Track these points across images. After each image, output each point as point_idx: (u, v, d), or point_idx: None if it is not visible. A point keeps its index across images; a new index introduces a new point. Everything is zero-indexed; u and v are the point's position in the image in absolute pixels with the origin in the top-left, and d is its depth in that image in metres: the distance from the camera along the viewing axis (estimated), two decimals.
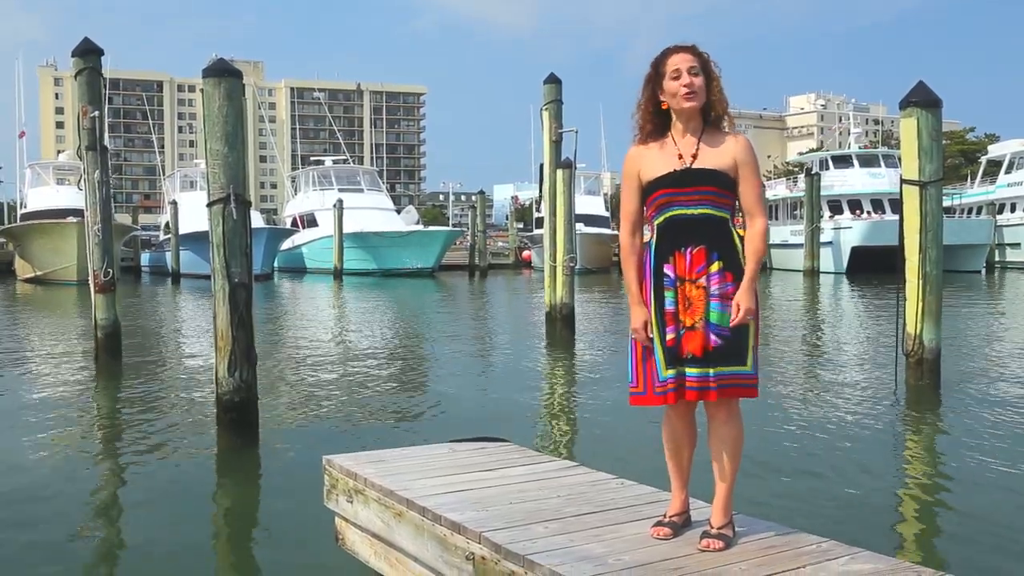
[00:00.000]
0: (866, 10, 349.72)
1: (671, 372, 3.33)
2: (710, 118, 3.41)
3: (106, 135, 12.23)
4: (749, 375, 3.32)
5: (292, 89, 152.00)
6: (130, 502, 5.96)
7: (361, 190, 47.67)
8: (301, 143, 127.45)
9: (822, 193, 41.77)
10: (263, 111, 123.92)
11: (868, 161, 44.95)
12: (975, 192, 51.85)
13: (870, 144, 74.99)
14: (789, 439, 7.28)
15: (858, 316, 20.57)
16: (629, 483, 4.11)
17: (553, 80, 15.33)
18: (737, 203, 3.43)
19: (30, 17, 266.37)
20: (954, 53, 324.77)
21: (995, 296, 27.51)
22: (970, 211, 50.19)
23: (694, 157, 3.37)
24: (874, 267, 33.42)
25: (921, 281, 8.86)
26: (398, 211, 51.10)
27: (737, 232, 3.38)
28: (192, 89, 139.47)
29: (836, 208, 43.46)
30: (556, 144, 15.25)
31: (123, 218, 55.20)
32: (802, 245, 40.18)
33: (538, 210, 52.88)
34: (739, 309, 3.26)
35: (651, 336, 3.37)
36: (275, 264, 43.09)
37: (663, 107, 3.42)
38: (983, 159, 55.92)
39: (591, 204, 51.52)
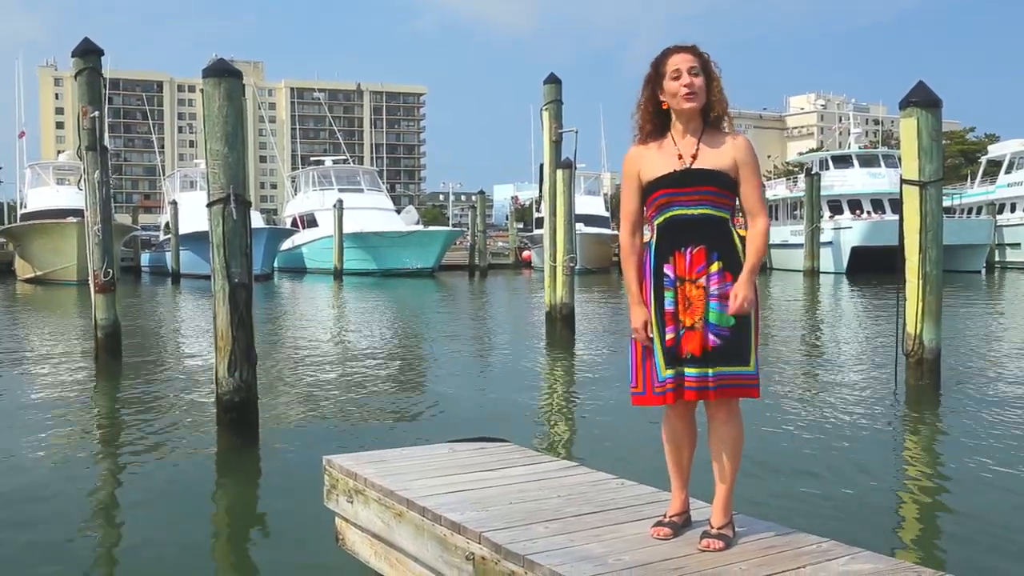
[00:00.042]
0: (866, 10, 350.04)
1: (670, 372, 3.33)
2: (710, 118, 3.41)
3: (106, 135, 12.23)
4: (750, 375, 3.32)
5: (292, 89, 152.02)
6: (130, 502, 5.96)
7: (361, 190, 47.67)
8: (301, 143, 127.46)
9: (822, 193, 41.78)
10: (263, 111, 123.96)
11: (868, 161, 44.95)
12: (975, 192, 51.85)
13: (870, 144, 75.00)
14: (789, 439, 7.28)
15: (858, 316, 20.57)
16: (629, 483, 4.11)
17: (553, 80, 15.34)
18: (737, 203, 3.44)
19: (30, 17, 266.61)
20: (954, 53, 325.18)
21: (995, 296, 27.52)
22: (970, 211, 50.19)
23: (694, 157, 3.37)
24: (874, 267, 33.43)
25: (921, 281, 8.86)
26: (398, 211, 51.10)
27: (737, 232, 3.38)
28: (192, 89, 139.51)
29: (836, 208, 43.46)
30: (556, 144, 15.25)
31: (123, 218, 55.20)
32: (802, 245, 40.19)
33: (538, 210, 52.88)
34: (737, 298, 3.26)
35: (651, 336, 3.38)
36: (275, 264, 43.10)
37: (663, 107, 3.42)
38: (983, 159, 55.93)
39: (591, 204, 51.53)
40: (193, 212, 36.76)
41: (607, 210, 55.48)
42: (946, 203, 37.10)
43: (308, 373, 11.43)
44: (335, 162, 52.31)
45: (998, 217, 46.05)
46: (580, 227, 27.38)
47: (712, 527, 3.32)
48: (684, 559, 3.14)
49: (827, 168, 45.10)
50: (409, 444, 5.55)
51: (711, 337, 3.29)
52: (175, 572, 4.66)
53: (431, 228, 50.31)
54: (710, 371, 3.30)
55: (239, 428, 7.00)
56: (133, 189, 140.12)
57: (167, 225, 44.92)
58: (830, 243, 40.28)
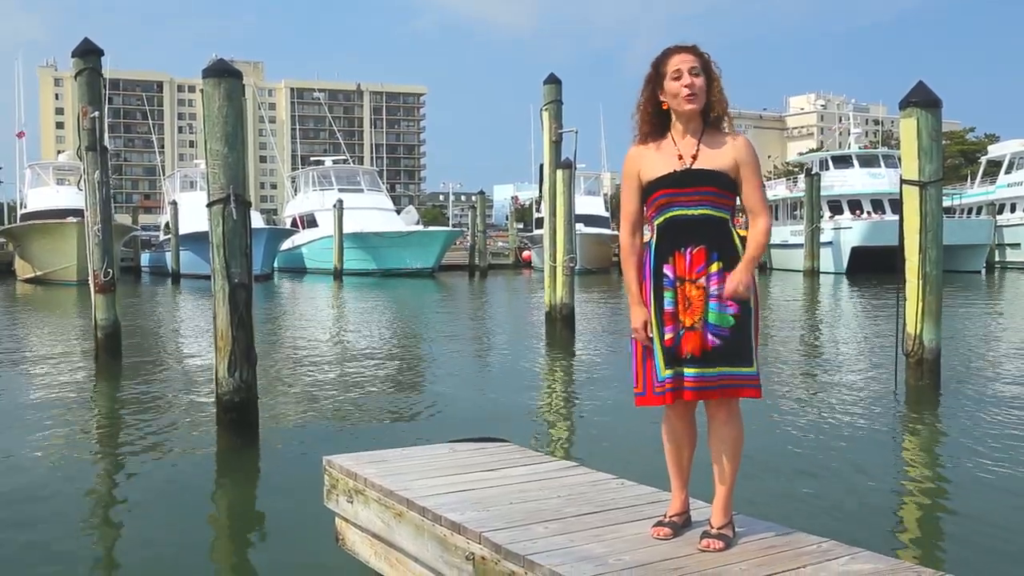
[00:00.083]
0: (866, 10, 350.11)
1: (669, 372, 3.33)
2: (710, 119, 3.41)
3: (106, 135, 12.23)
4: (751, 375, 3.32)
5: (292, 89, 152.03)
6: (129, 502, 5.96)
7: (361, 190, 47.67)
8: (301, 143, 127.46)
9: (822, 193, 41.78)
10: (263, 111, 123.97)
11: (868, 161, 44.95)
12: (975, 192, 51.85)
13: (870, 144, 75.04)
14: (789, 439, 7.28)
15: (858, 316, 20.57)
16: (629, 483, 4.11)
17: (553, 80, 15.34)
18: (738, 203, 3.44)
19: (30, 17, 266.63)
20: (954, 53, 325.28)
21: (995, 296, 27.52)
22: (970, 211, 50.19)
23: (694, 158, 3.37)
24: (874, 267, 33.43)
25: (921, 281, 8.86)
26: (398, 211, 51.10)
27: (737, 232, 3.38)
28: (192, 89, 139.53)
29: (836, 208, 43.47)
30: (556, 144, 15.26)
31: (123, 218, 55.12)
32: (802, 245, 40.19)
33: (538, 210, 52.90)
34: (732, 281, 3.25)
35: (651, 336, 3.38)
36: (275, 264, 43.09)
37: (663, 107, 3.42)
38: (983, 159, 55.92)
39: (591, 204, 51.51)
40: (193, 212, 36.75)
41: (607, 210, 55.47)
42: (946, 203, 37.13)
43: (308, 373, 11.43)
44: (335, 162, 52.30)
45: (998, 217, 46.05)
46: (580, 227, 27.40)
47: (712, 527, 3.32)
48: (684, 559, 3.14)
49: (827, 168, 45.10)
50: (409, 444, 5.55)
51: (711, 337, 3.29)
52: (175, 572, 4.66)
53: (431, 228, 50.31)
54: (710, 371, 3.30)
55: (239, 428, 7.00)
56: (133, 189, 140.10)
57: (167, 225, 44.91)
58: (830, 243, 40.28)
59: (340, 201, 42.53)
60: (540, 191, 20.45)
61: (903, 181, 9.02)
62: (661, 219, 3.39)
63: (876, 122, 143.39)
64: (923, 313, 8.88)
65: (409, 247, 42.27)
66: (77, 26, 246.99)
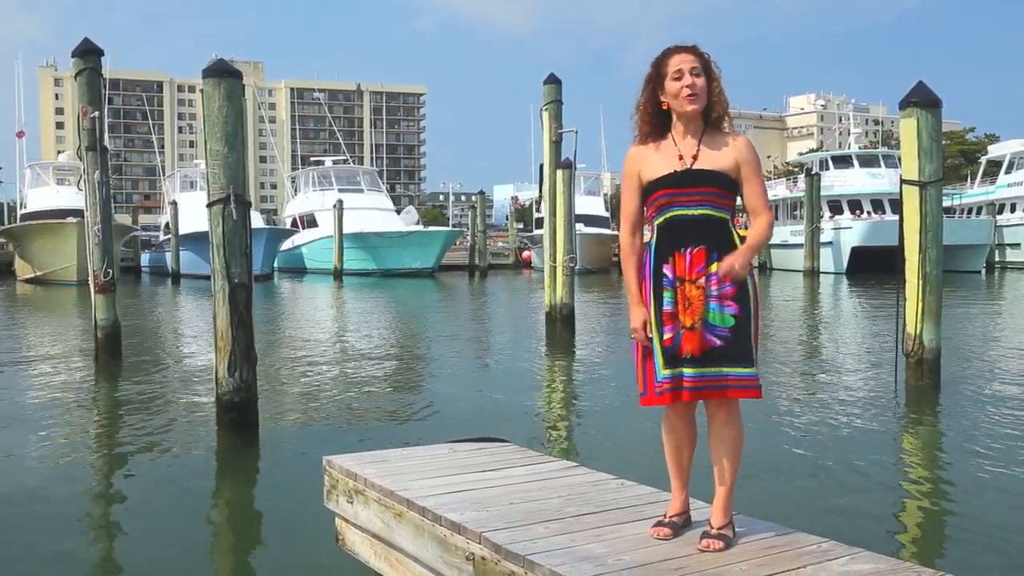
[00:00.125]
0: (866, 10, 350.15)
1: (668, 372, 3.33)
2: (711, 119, 3.41)
3: (106, 135, 12.23)
4: (751, 376, 3.31)
5: (292, 89, 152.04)
6: (129, 502, 5.96)
7: (361, 190, 47.67)
8: (301, 143, 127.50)
9: (822, 193, 41.78)
10: (263, 111, 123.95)
11: (868, 161, 44.96)
12: (975, 192, 51.85)
13: (870, 144, 75.03)
14: (789, 439, 7.28)
15: (858, 316, 20.57)
16: (629, 483, 4.11)
17: (553, 80, 15.33)
18: (738, 203, 3.44)
19: (30, 17, 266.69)
20: (954, 53, 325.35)
21: (995, 296, 27.52)
22: (970, 211, 50.19)
23: (694, 158, 3.37)
24: (874, 267, 33.44)
25: (921, 281, 8.86)
26: (398, 211, 51.09)
27: (737, 232, 3.38)
28: (192, 89, 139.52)
29: (836, 208, 43.47)
30: (556, 144, 15.25)
31: (123, 218, 55.11)
32: (802, 245, 40.19)
33: (538, 210, 52.88)
34: (727, 261, 3.24)
35: (650, 336, 3.38)
36: (275, 264, 43.10)
37: (664, 108, 3.42)
38: (983, 159, 55.92)
39: (591, 204, 51.50)
40: (193, 212, 36.74)
41: (607, 210, 55.47)
42: (946, 203, 37.13)
43: (308, 373, 11.43)
44: (335, 162, 52.31)
45: (998, 217, 46.05)
46: (580, 227, 27.38)
47: (712, 527, 3.32)
48: (684, 559, 3.14)
49: (827, 168, 45.10)
50: (409, 444, 5.55)
51: (711, 337, 3.29)
52: (175, 572, 4.66)
53: (431, 228, 50.31)
54: (708, 371, 3.30)
55: (239, 428, 7.00)
56: (133, 189, 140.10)
57: (167, 225, 44.91)
58: (830, 243, 40.28)
59: (340, 201, 42.54)
60: (540, 191, 20.45)
61: (903, 181, 9.02)
62: (661, 219, 3.39)
63: (876, 122, 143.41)
64: (923, 313, 8.88)
65: (409, 247, 42.27)
66: (77, 26, 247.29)
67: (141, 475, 6.58)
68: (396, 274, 41.24)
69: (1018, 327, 17.55)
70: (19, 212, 46.28)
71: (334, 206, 42.47)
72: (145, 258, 52.72)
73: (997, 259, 45.27)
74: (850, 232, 39.92)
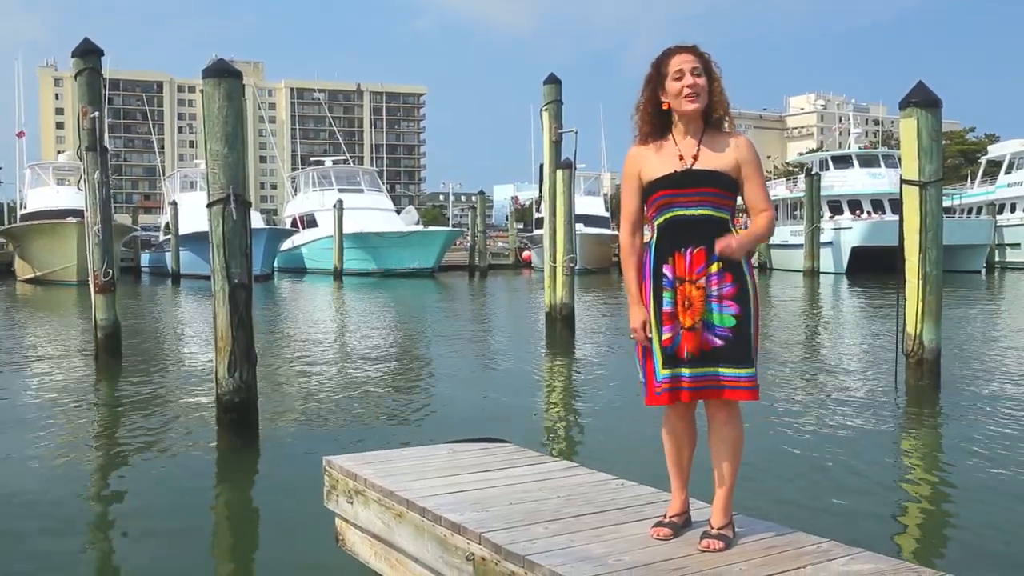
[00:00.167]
0: (866, 10, 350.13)
1: (667, 372, 3.33)
2: (711, 119, 3.41)
3: (106, 136, 12.24)
4: (749, 377, 3.31)
5: (292, 89, 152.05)
6: (129, 502, 5.96)
7: (361, 190, 47.67)
8: (301, 143, 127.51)
9: (822, 193, 41.77)
10: (263, 111, 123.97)
11: (868, 161, 44.95)
12: (975, 192, 51.85)
13: (870, 144, 75.03)
14: (789, 439, 7.28)
15: (858, 316, 20.57)
16: (629, 483, 4.11)
17: (553, 80, 15.33)
18: (739, 203, 3.44)
19: (30, 17, 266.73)
20: (954, 53, 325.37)
21: (995, 296, 27.51)
22: (970, 211, 50.19)
23: (695, 158, 3.37)
24: (874, 267, 33.43)
25: (921, 281, 8.86)
26: (398, 211, 51.09)
27: (738, 232, 3.37)
28: (192, 89, 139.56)
29: (836, 208, 43.47)
30: (556, 144, 15.25)
31: (123, 219, 55.11)
32: (802, 245, 40.18)
33: (538, 210, 52.88)
34: (724, 240, 3.25)
35: (650, 336, 3.38)
36: (275, 264, 43.09)
37: (664, 108, 3.42)
38: (983, 159, 55.93)
39: (591, 204, 51.50)
40: (193, 212, 36.74)
41: (607, 210, 55.48)
42: (946, 203, 37.12)
43: (308, 373, 11.43)
44: (335, 162, 52.31)
45: (998, 217, 46.05)
46: (580, 227, 27.37)
47: (712, 527, 3.32)
48: (684, 559, 3.14)
49: (827, 168, 45.10)
50: (409, 444, 5.55)
51: (711, 338, 3.29)
52: (175, 572, 4.66)
53: (431, 228, 50.30)
54: (707, 371, 3.30)
55: (239, 428, 7.00)
56: (133, 189, 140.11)
57: (167, 225, 44.91)
58: (830, 243, 40.28)
59: (340, 201, 42.54)
60: (540, 191, 20.44)
61: (903, 181, 9.02)
62: (661, 219, 3.39)
63: (876, 122, 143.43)
64: (923, 313, 8.88)
65: (409, 247, 42.27)
66: (77, 26, 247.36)
67: (141, 475, 6.58)
68: (396, 274, 41.24)
69: (1018, 327, 17.55)
70: (19, 212, 46.28)
71: (334, 206, 42.47)
72: (145, 258, 52.72)
73: (997, 259, 45.27)
74: (850, 232, 39.92)
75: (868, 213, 42.20)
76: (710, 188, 3.32)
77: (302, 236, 46.16)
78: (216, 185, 6.92)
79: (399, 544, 3.87)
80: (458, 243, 54.11)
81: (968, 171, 63.69)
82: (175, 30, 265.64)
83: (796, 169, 54.12)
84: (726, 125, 3.43)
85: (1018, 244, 45.48)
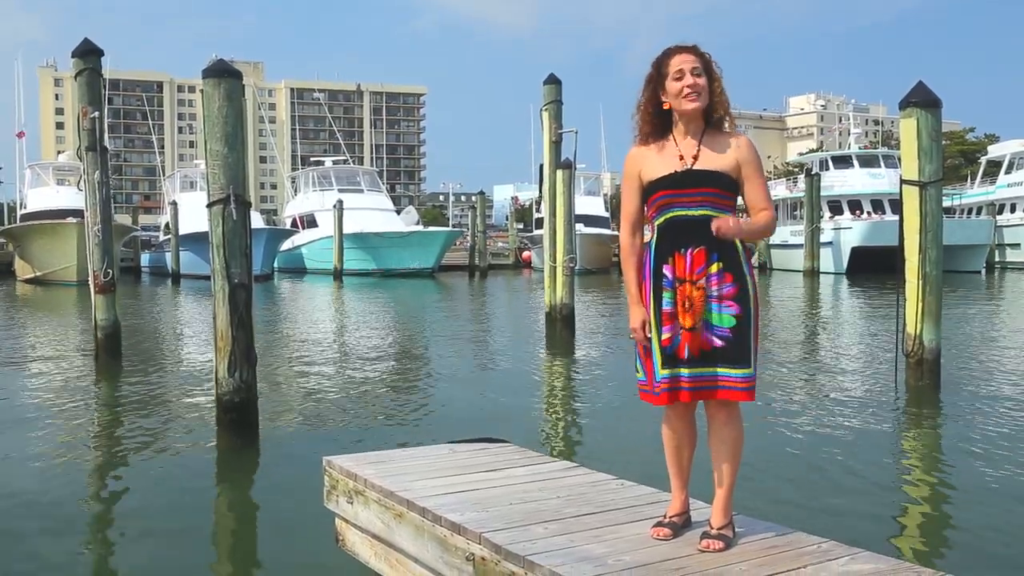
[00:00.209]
0: (866, 10, 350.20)
1: (666, 372, 3.33)
2: (712, 119, 3.41)
3: (106, 136, 12.23)
4: (744, 378, 3.30)
5: (292, 89, 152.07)
6: (129, 502, 5.96)
7: (361, 191, 47.68)
8: (301, 143, 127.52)
9: (822, 193, 41.78)
10: (263, 111, 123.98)
11: (868, 161, 44.96)
12: (975, 192, 51.86)
13: (870, 144, 75.07)
14: (789, 440, 7.28)
15: (858, 316, 20.57)
16: (629, 484, 4.11)
17: (553, 81, 15.33)
18: (739, 203, 3.43)
19: (30, 17, 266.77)
20: (954, 53, 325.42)
21: (995, 296, 27.51)
22: (970, 211, 50.20)
23: (695, 158, 3.37)
24: (874, 267, 33.44)
25: (921, 281, 8.86)
26: (398, 211, 51.10)
27: None
28: (192, 90, 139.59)
29: (836, 208, 43.48)
30: (556, 145, 15.24)
31: (123, 219, 55.11)
32: (802, 245, 40.19)
33: (538, 210, 52.89)
34: (721, 220, 3.24)
35: (649, 336, 3.37)
36: (275, 265, 43.10)
37: (664, 108, 3.42)
38: (983, 159, 55.94)
39: (591, 205, 51.51)
40: (193, 213, 36.75)
41: (607, 210, 55.49)
42: (946, 203, 37.15)
43: (308, 373, 11.43)
44: (335, 162, 52.33)
45: (998, 217, 46.05)
46: (580, 227, 27.38)
47: (712, 527, 3.32)
48: (685, 559, 3.14)
49: (827, 168, 45.10)
50: (409, 445, 5.55)
51: (711, 338, 3.29)
52: (175, 572, 4.66)
53: (431, 228, 50.32)
54: (708, 372, 3.30)
55: (239, 428, 7.00)
56: (133, 189, 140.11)
57: (167, 225, 44.92)
58: (830, 243, 40.29)
59: (340, 201, 42.55)
60: (540, 191, 20.44)
61: (903, 181, 9.02)
62: (661, 219, 3.39)
63: (876, 122, 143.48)
64: (923, 313, 8.88)
65: (409, 247, 42.28)
66: (77, 26, 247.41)
67: (141, 475, 6.58)
68: (396, 274, 41.25)
69: (1018, 327, 17.55)
70: (19, 212, 46.28)
71: (334, 206, 42.47)
72: (145, 258, 52.73)
73: (997, 259, 45.28)
74: (850, 232, 39.93)
75: (868, 213, 42.21)
76: (710, 188, 3.32)
77: (302, 236, 46.17)
78: (216, 185, 6.92)
79: (399, 544, 3.87)
80: (458, 243, 54.12)
81: (968, 171, 63.69)
82: (175, 30, 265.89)
83: (796, 169, 54.12)
84: (726, 125, 3.43)
85: (1018, 244, 45.49)
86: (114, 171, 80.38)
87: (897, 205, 9.38)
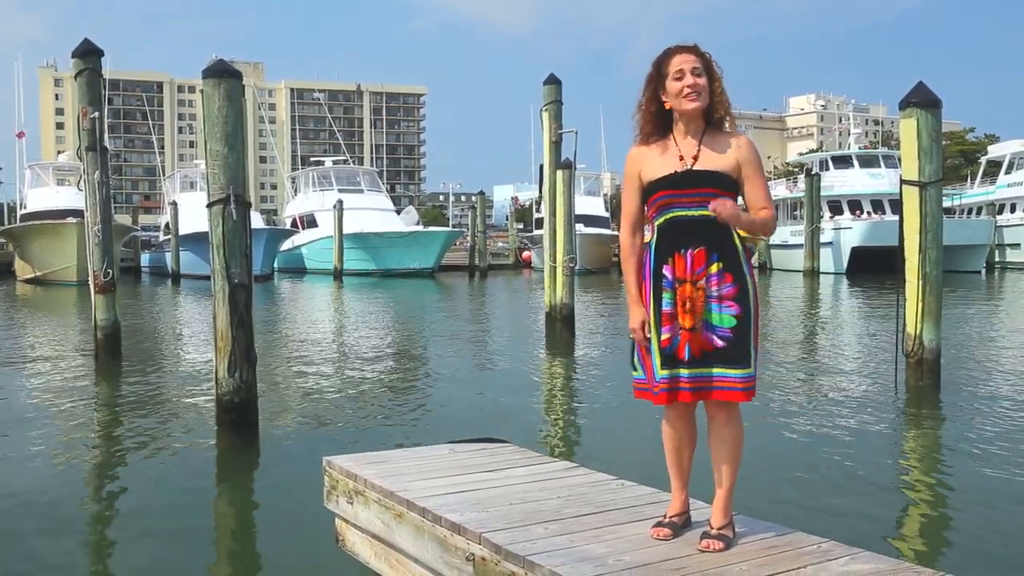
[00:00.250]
0: (866, 10, 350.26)
1: (665, 372, 3.33)
2: (712, 119, 3.41)
3: (106, 136, 12.23)
4: (747, 378, 3.31)
5: (292, 90, 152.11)
6: (128, 503, 5.96)
7: (361, 191, 47.69)
8: (301, 144, 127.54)
9: (822, 193, 41.77)
10: (263, 112, 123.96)
11: (868, 162, 44.96)
12: (975, 192, 51.87)
13: (870, 144, 75.05)
14: (789, 440, 7.28)
15: (858, 316, 20.57)
16: (629, 484, 4.11)
17: (553, 81, 15.33)
18: (740, 203, 3.43)
19: (30, 17, 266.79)
20: (954, 53, 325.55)
21: (995, 296, 27.51)
22: (970, 211, 50.21)
23: (695, 159, 3.36)
24: (874, 267, 33.44)
25: (921, 281, 8.86)
26: (398, 211, 51.11)
27: (737, 233, 3.37)
28: (192, 90, 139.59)
29: (836, 208, 43.47)
30: (556, 145, 15.24)
31: (123, 219, 55.09)
32: (802, 245, 40.18)
33: (538, 211, 52.89)
34: (719, 200, 3.21)
35: (649, 336, 3.37)
36: (275, 265, 43.09)
37: (665, 107, 3.42)
38: (983, 159, 55.94)
39: (591, 205, 51.51)
40: (193, 213, 36.75)
41: (607, 210, 55.50)
42: (946, 203, 37.14)
43: (308, 373, 11.42)
44: (335, 163, 52.33)
45: (998, 217, 46.05)
46: (580, 227, 27.38)
47: (712, 528, 3.32)
48: (685, 559, 3.14)
49: (827, 168, 45.10)
50: (409, 445, 5.55)
51: (712, 338, 3.29)
52: (175, 572, 4.66)
53: (431, 229, 50.31)
54: (708, 372, 3.30)
55: (239, 428, 7.00)
56: (133, 190, 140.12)
57: (167, 226, 44.93)
58: (830, 243, 40.28)
59: (340, 201, 42.55)
60: (540, 191, 20.44)
61: (903, 181, 9.02)
62: (661, 220, 3.39)
63: (876, 122, 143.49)
64: (923, 313, 8.88)
65: (409, 247, 42.28)
66: (77, 26, 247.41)
67: (141, 475, 6.58)
68: (396, 274, 41.25)
69: (1018, 327, 17.55)
70: (19, 212, 46.28)
71: (334, 206, 42.48)
72: (145, 258, 52.73)
73: (997, 259, 45.28)
74: (850, 232, 39.92)
75: (868, 213, 42.20)
76: (710, 188, 3.32)
77: (302, 236, 46.18)
78: (216, 185, 6.92)
79: (399, 544, 3.87)
80: (458, 243, 54.11)
81: (968, 171, 63.71)
82: (175, 30, 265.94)
83: (796, 169, 54.12)
84: (727, 125, 3.43)
85: (1018, 244, 45.48)
86: (114, 171, 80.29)
87: (897, 205, 9.38)
